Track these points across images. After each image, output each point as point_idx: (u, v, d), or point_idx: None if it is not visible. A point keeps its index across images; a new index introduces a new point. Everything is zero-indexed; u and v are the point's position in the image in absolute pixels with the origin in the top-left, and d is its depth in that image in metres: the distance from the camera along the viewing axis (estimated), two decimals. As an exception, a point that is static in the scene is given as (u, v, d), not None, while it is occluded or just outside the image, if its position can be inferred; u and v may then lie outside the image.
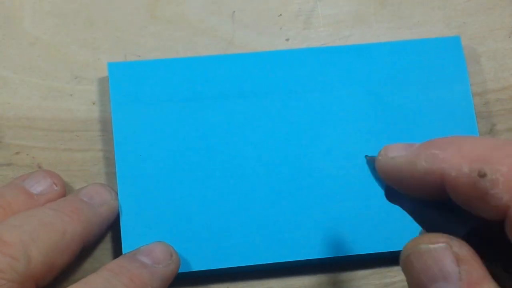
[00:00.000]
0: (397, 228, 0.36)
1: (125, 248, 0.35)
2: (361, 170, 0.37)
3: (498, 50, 0.42)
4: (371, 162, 0.31)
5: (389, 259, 0.37)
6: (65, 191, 0.36)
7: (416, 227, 0.31)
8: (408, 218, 0.28)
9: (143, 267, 0.33)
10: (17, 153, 0.38)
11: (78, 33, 0.40)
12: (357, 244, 0.36)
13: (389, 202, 0.29)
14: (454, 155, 0.25)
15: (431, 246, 0.25)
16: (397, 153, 0.27)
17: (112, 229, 0.37)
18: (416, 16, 0.42)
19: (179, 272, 0.35)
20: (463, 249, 0.24)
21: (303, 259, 0.36)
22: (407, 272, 0.26)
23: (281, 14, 0.42)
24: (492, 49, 0.42)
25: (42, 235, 0.31)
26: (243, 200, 0.37)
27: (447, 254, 0.24)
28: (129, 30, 0.41)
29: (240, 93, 0.38)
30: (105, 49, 0.40)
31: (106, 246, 0.37)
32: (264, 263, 0.36)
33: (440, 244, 0.25)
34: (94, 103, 0.39)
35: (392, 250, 0.36)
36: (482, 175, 0.23)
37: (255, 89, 0.38)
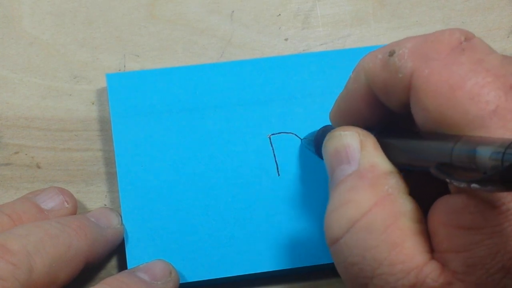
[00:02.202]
0: None
1: (129, 260, 0.35)
2: None
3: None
4: (305, 139, 0.37)
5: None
6: (76, 209, 0.36)
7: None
8: None
9: (142, 283, 0.33)
10: (16, 152, 0.38)
11: (77, 33, 0.40)
12: None
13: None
14: (370, 53, 0.29)
15: (342, 132, 0.29)
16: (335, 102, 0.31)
17: (117, 251, 0.37)
18: (415, 16, 0.42)
19: (182, 282, 0.35)
20: (367, 138, 0.28)
21: (303, 266, 0.36)
22: (324, 158, 0.30)
23: (280, 14, 0.42)
24: (491, 49, 0.42)
25: (47, 246, 0.31)
26: (244, 208, 0.37)
27: (354, 140, 0.28)
28: (128, 29, 0.41)
29: (238, 101, 0.38)
30: (104, 48, 0.40)
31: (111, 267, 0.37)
32: (266, 271, 0.36)
33: (350, 132, 0.29)
34: (93, 103, 0.39)
35: None
36: (392, 53, 0.27)
37: (254, 96, 0.38)
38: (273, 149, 0.38)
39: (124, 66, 0.40)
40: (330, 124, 0.33)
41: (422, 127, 0.26)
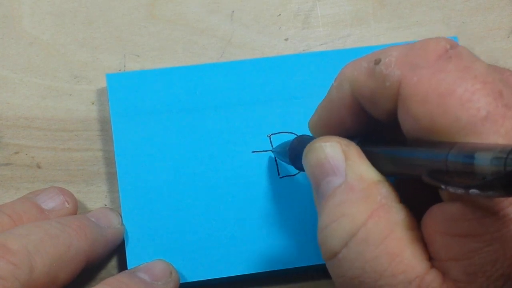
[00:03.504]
0: None
1: (129, 260, 0.35)
2: None
3: (497, 50, 0.42)
4: (276, 150, 0.36)
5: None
6: (76, 209, 0.36)
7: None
8: None
9: (142, 283, 0.33)
10: (16, 152, 0.38)
11: (77, 33, 0.40)
12: None
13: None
14: (353, 62, 0.28)
15: (323, 144, 0.28)
16: (315, 111, 0.31)
17: (117, 251, 0.37)
18: (415, 16, 0.42)
19: (182, 282, 0.35)
20: (351, 147, 0.28)
21: (303, 265, 0.36)
22: (306, 170, 0.29)
23: (280, 14, 0.42)
24: (491, 49, 0.42)
25: (47, 246, 0.32)
26: (243, 208, 0.37)
27: (337, 150, 0.28)
28: (128, 29, 0.41)
29: (238, 101, 0.38)
30: (104, 48, 0.40)
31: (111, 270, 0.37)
32: (266, 271, 0.36)
33: (332, 142, 0.28)
34: (93, 103, 0.39)
35: None
36: (377, 61, 0.27)
37: (254, 96, 0.38)
38: (273, 149, 0.38)
39: (124, 66, 0.40)
40: (305, 133, 0.33)
41: (409, 134, 0.26)
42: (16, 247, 0.31)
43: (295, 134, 0.38)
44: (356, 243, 0.26)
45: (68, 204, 0.36)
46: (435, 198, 0.26)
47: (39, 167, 0.38)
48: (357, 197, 0.26)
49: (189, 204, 0.36)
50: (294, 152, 0.33)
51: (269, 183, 0.37)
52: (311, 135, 0.33)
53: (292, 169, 0.37)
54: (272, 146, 0.38)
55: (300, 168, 0.31)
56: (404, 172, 0.26)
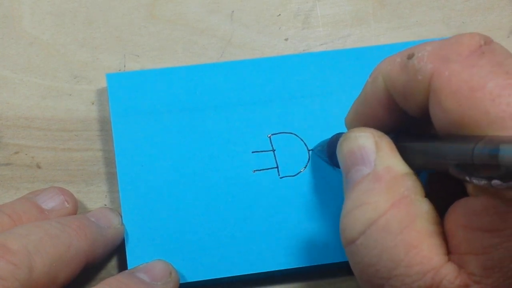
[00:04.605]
0: None
1: (129, 260, 0.35)
2: None
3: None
4: (315, 149, 0.36)
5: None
6: (76, 209, 0.36)
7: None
8: None
9: (142, 284, 0.33)
10: (16, 152, 0.38)
11: (77, 33, 0.40)
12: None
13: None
14: (388, 57, 0.29)
15: (358, 134, 0.29)
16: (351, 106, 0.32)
17: (117, 251, 0.37)
18: (415, 16, 0.42)
19: (182, 282, 0.35)
20: (383, 139, 0.29)
21: (303, 266, 0.36)
22: (339, 157, 0.30)
23: (280, 14, 0.42)
24: (491, 49, 0.42)
25: (47, 246, 0.31)
26: (244, 207, 0.37)
27: (369, 141, 0.28)
28: (128, 29, 0.41)
29: (238, 101, 0.38)
30: (104, 48, 0.40)
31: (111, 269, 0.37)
32: (266, 271, 0.36)
33: (366, 133, 0.29)
34: (93, 103, 0.39)
35: None
36: (411, 56, 0.27)
37: (254, 96, 0.38)
38: (273, 149, 0.38)
39: (124, 66, 0.40)
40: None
41: (440, 129, 0.26)
42: (16, 247, 0.31)
43: (295, 134, 0.38)
44: (375, 231, 0.26)
45: (68, 204, 0.36)
46: (462, 194, 0.26)
47: (39, 167, 0.38)
48: (382, 187, 0.27)
49: (189, 204, 0.36)
50: (331, 148, 0.34)
51: (269, 183, 0.37)
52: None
53: (292, 169, 0.37)
54: (272, 146, 0.38)
55: (337, 165, 0.31)
56: (433, 165, 0.27)
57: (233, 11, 0.41)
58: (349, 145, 0.29)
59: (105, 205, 0.38)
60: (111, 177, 0.38)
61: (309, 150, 0.38)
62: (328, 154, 0.35)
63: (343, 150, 0.30)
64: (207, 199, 0.37)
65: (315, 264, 0.36)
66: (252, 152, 0.38)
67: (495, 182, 0.21)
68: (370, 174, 0.28)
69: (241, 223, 0.36)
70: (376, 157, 0.28)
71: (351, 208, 0.28)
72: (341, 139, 0.30)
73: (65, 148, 0.39)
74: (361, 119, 0.31)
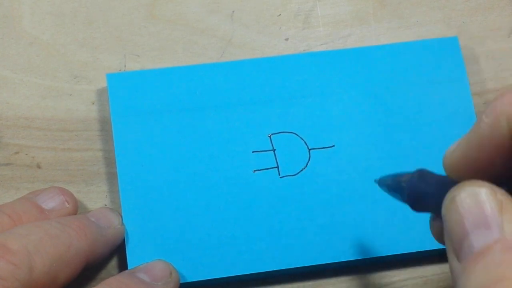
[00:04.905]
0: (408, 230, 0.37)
1: (129, 260, 0.35)
2: (362, 172, 0.37)
3: (497, 50, 0.42)
4: (384, 182, 0.31)
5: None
6: (77, 210, 0.36)
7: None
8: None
9: (142, 284, 0.33)
10: (16, 152, 0.38)
11: (77, 33, 0.40)
12: (360, 248, 0.36)
13: (416, 212, 0.28)
14: (511, 94, 0.24)
15: (478, 189, 0.24)
16: (454, 146, 0.27)
17: (117, 251, 0.37)
18: (416, 16, 0.42)
19: (182, 282, 0.35)
20: (507, 198, 0.24)
21: (303, 265, 0.36)
22: (450, 216, 0.25)
23: (280, 14, 0.42)
24: (492, 49, 0.42)
25: (47, 246, 0.31)
26: (244, 207, 0.37)
27: (492, 200, 0.24)
28: (128, 29, 0.41)
29: (238, 101, 0.38)
30: (104, 48, 0.40)
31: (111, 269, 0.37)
32: (266, 270, 0.36)
33: (487, 189, 0.24)
34: (93, 103, 0.39)
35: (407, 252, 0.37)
36: None
37: (254, 96, 0.38)
38: (273, 149, 0.38)
39: (124, 66, 0.40)
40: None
41: None
42: (16, 247, 0.31)
43: (295, 134, 0.38)
44: None
45: (68, 204, 0.36)
46: None
47: (39, 167, 0.38)
48: None
49: (189, 204, 0.36)
50: (415, 191, 0.28)
51: (270, 183, 0.37)
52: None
53: (292, 169, 0.37)
54: (272, 145, 0.38)
55: (420, 209, 0.28)
56: None
57: (233, 11, 0.41)
58: (468, 202, 0.24)
59: (105, 205, 0.38)
60: (111, 177, 0.38)
61: (309, 150, 0.38)
62: (410, 197, 0.29)
63: (457, 209, 0.25)
64: (207, 199, 0.37)
65: (315, 264, 0.36)
66: (252, 152, 0.38)
67: None
68: (499, 242, 0.23)
69: (241, 223, 0.36)
70: (503, 221, 0.23)
71: (484, 283, 0.23)
72: (454, 191, 0.25)
73: (65, 148, 0.39)
74: (471, 164, 0.26)
